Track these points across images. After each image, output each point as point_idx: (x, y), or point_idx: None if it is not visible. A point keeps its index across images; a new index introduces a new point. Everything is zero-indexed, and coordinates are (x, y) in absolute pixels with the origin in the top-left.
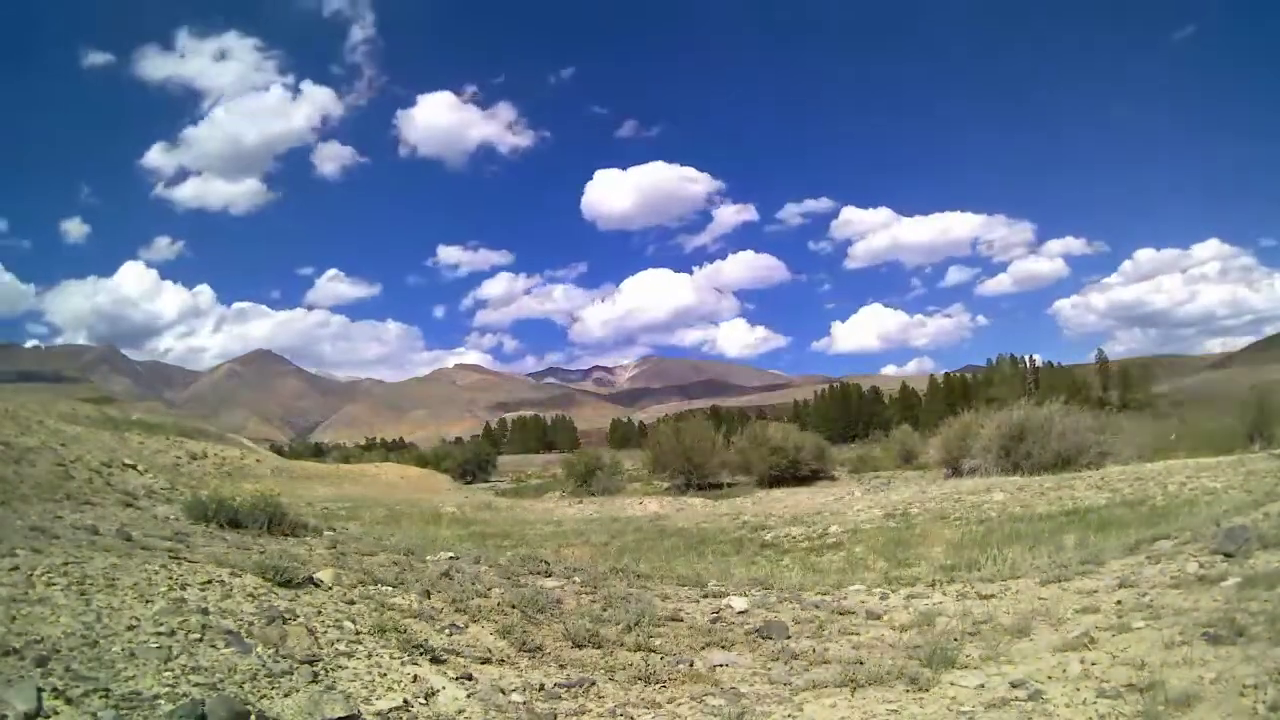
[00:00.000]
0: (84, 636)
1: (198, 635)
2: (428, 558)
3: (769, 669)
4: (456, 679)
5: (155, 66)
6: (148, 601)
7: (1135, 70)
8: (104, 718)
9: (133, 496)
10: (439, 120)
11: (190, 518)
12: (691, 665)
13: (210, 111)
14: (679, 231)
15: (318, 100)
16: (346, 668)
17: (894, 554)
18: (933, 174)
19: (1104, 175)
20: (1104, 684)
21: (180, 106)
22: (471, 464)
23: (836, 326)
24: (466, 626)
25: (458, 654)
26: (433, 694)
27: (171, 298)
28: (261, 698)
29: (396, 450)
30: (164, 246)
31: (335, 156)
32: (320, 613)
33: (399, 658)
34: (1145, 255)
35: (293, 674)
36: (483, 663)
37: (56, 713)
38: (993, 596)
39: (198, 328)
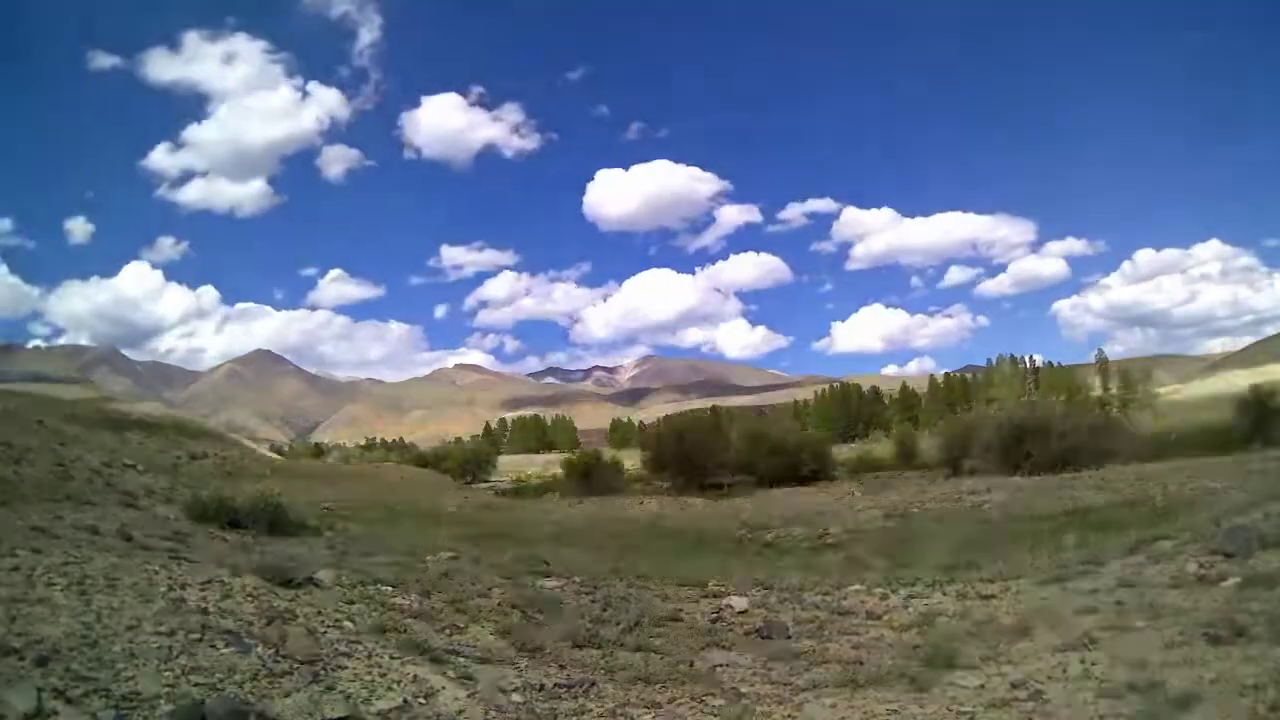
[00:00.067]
0: (84, 636)
1: (198, 635)
2: (428, 558)
3: (769, 669)
4: (456, 679)
5: (163, 69)
6: (148, 601)
7: (1137, 71)
8: (104, 718)
9: (133, 496)
10: (444, 122)
11: (190, 518)
12: (691, 665)
13: (217, 113)
14: (682, 232)
15: (324, 103)
16: (346, 668)
17: (894, 554)
18: (934, 175)
19: (1105, 176)
20: (1104, 684)
21: (187, 108)
22: (471, 464)
23: (837, 326)
24: (466, 626)
25: (458, 654)
26: (433, 694)
27: (175, 298)
28: (261, 698)
29: (396, 450)
30: (168, 247)
31: (341, 158)
32: (320, 613)
33: (399, 658)
34: (1145, 256)
35: (293, 674)
36: (483, 663)
37: (56, 713)
38: (993, 596)
39: (200, 328)
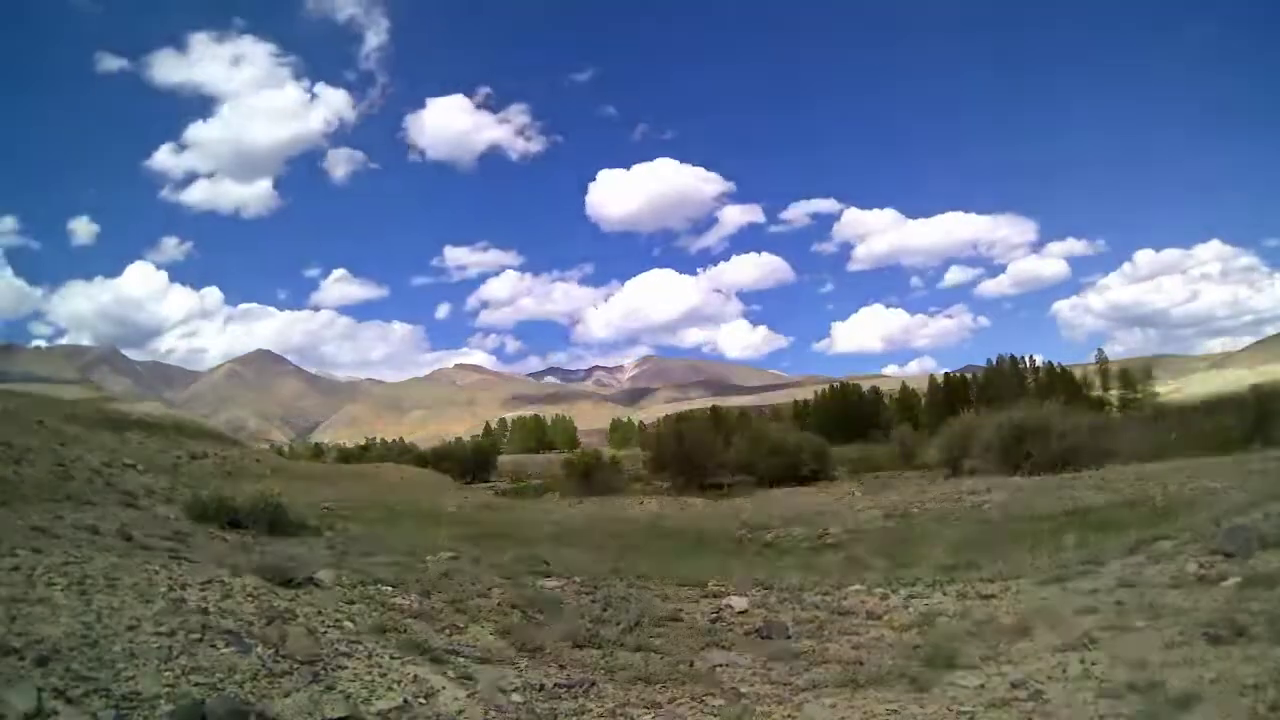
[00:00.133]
0: (84, 636)
1: (198, 635)
2: (428, 558)
3: (769, 669)
4: (456, 679)
5: (170, 70)
6: (148, 601)
7: (1137, 71)
8: (104, 718)
9: (133, 496)
10: (449, 124)
11: (190, 517)
12: (691, 665)
13: (223, 114)
14: (685, 233)
15: (331, 104)
16: (346, 668)
17: (894, 554)
18: (936, 175)
19: (1106, 176)
20: (1104, 684)
21: (194, 110)
22: (471, 464)
23: (837, 327)
24: (466, 626)
25: (458, 654)
26: (433, 694)
27: (179, 299)
28: (262, 698)
29: (396, 450)
30: (172, 248)
31: (346, 160)
32: (320, 613)
33: (399, 658)
34: (1145, 256)
35: (293, 674)
36: (483, 663)
37: (56, 713)
38: (993, 596)
39: (202, 328)
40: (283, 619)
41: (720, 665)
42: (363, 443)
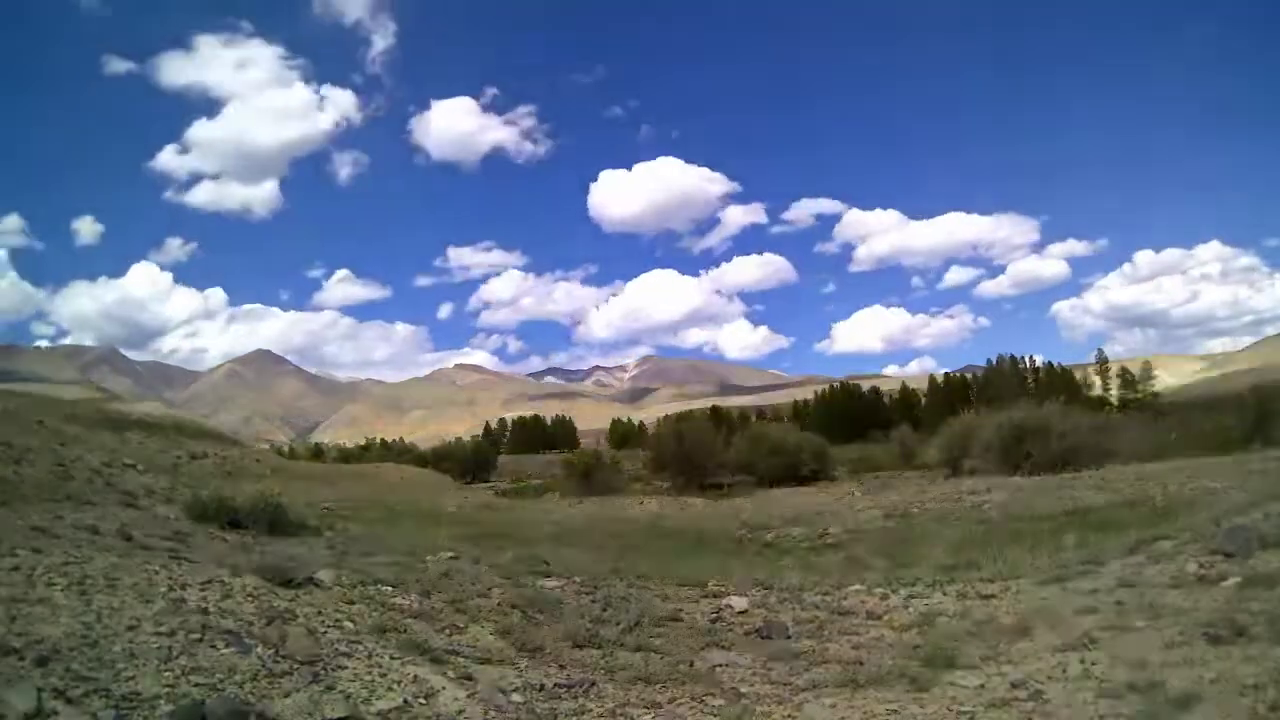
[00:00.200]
0: (84, 636)
1: (198, 635)
2: (428, 558)
3: (769, 669)
4: (456, 679)
5: (177, 72)
6: (148, 601)
7: (1139, 72)
8: (104, 718)
9: (133, 496)
10: (454, 125)
11: (190, 518)
12: (691, 665)
13: (231, 116)
14: (688, 234)
15: (338, 107)
16: (346, 668)
17: (894, 554)
18: (937, 175)
19: (1106, 176)
20: (1104, 684)
21: (201, 111)
22: (471, 464)
23: (838, 327)
24: (466, 626)
25: (458, 654)
26: (433, 694)
27: (182, 299)
28: (261, 698)
29: (396, 450)
30: (176, 248)
31: (351, 161)
32: (320, 613)
33: (399, 658)
34: (1145, 257)
35: (293, 674)
36: (483, 663)
37: (56, 713)
38: (993, 596)
39: (205, 329)
40: (283, 619)
41: (720, 665)
42: (363, 443)
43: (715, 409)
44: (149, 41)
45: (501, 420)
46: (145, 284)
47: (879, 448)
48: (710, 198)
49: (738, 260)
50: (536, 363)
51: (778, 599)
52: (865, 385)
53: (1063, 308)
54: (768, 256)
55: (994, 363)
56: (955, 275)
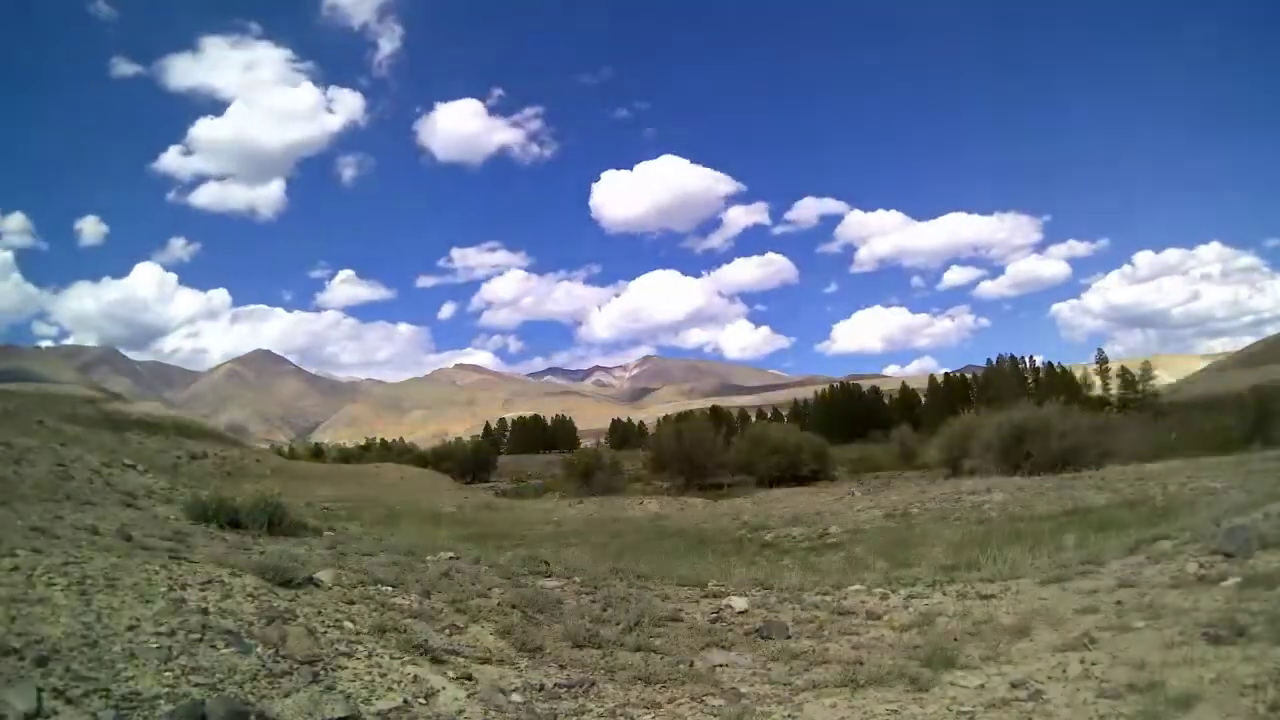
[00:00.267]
0: (84, 636)
1: (198, 635)
2: (428, 558)
3: (769, 669)
4: (456, 679)
5: (184, 74)
6: (148, 601)
7: (1139, 72)
8: (104, 718)
9: (133, 496)
10: (459, 127)
11: (190, 518)
12: (691, 665)
13: (237, 118)
14: (691, 234)
15: (345, 108)
16: (346, 668)
17: (894, 554)
18: (937, 176)
19: (1107, 177)
20: (1104, 684)
21: (208, 113)
22: (471, 464)
23: (839, 327)
24: (466, 626)
25: (458, 654)
26: (433, 694)
27: (186, 299)
28: (261, 698)
29: (396, 450)
30: (180, 248)
31: (357, 162)
32: (320, 613)
33: (399, 658)
34: (1145, 257)
35: (293, 674)
36: (483, 663)
37: (56, 713)
38: (993, 596)
39: (207, 329)
40: (283, 619)
41: (720, 665)
42: (363, 443)
43: (715, 409)
44: (157, 44)
45: (501, 420)
46: (149, 284)
47: (879, 448)
48: (713, 198)
49: (739, 261)
50: (537, 363)
51: (778, 599)
52: (865, 385)
53: (1063, 308)
54: (769, 256)
55: (994, 363)
56: (955, 275)
